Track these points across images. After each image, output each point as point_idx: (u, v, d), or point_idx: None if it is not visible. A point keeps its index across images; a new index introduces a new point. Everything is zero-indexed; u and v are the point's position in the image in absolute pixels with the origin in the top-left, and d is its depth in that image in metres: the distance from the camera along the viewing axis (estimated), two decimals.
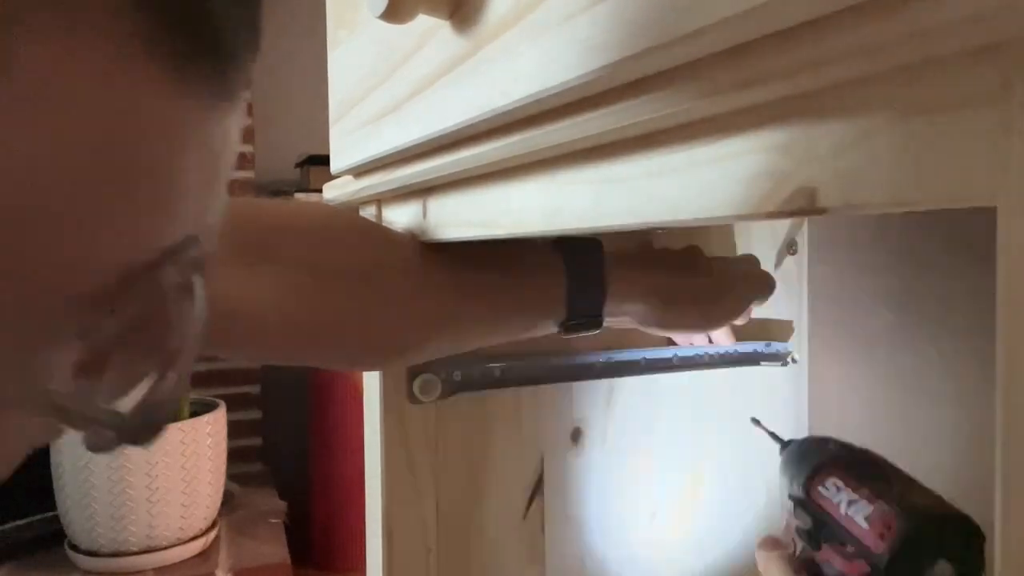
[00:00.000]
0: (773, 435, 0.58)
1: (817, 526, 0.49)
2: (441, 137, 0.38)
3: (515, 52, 0.30)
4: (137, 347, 0.23)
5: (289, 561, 1.39)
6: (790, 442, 0.55)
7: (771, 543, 0.53)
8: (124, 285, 0.21)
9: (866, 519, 0.45)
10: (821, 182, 0.21)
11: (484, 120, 0.33)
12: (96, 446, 0.23)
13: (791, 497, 0.52)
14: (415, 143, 0.41)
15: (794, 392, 0.76)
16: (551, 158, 0.35)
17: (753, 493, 0.75)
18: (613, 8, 0.24)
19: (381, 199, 0.57)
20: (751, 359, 0.72)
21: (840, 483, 0.47)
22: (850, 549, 0.46)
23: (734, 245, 0.73)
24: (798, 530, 0.50)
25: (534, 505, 0.66)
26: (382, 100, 0.45)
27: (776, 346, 0.73)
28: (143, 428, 0.23)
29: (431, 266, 0.51)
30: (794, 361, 0.74)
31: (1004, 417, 0.17)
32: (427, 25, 0.37)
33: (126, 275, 0.20)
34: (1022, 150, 0.16)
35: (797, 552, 0.52)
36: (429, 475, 0.62)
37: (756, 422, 0.62)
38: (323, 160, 0.72)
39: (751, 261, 0.66)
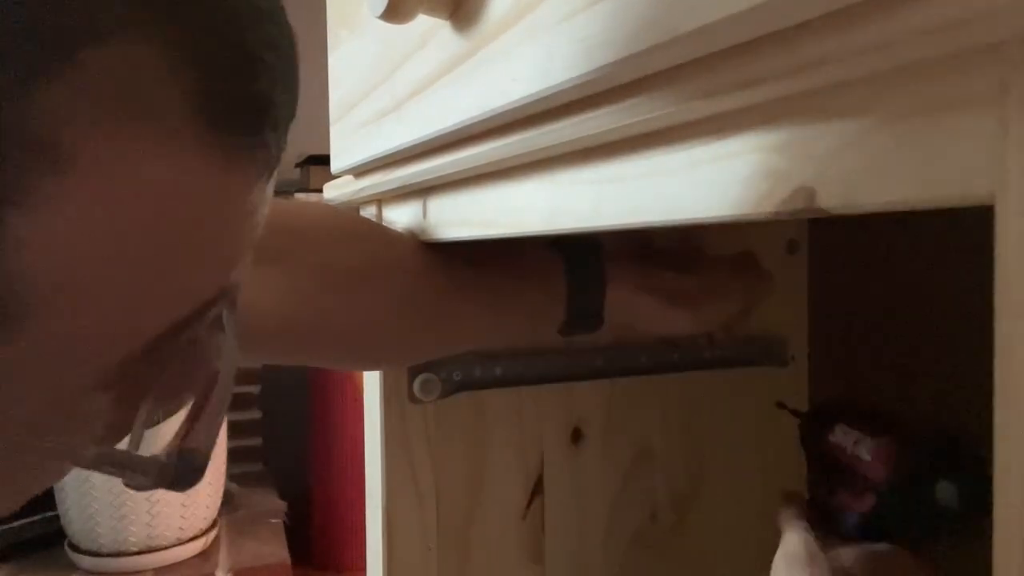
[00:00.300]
0: (795, 412, 0.61)
1: (829, 474, 0.51)
2: (441, 137, 0.38)
3: (515, 52, 0.30)
4: (173, 392, 0.24)
5: (289, 561, 1.39)
6: (806, 412, 0.57)
7: (788, 497, 0.54)
8: (164, 339, 0.21)
9: (868, 452, 0.47)
10: (820, 182, 0.22)
11: (484, 120, 0.33)
12: (135, 487, 0.24)
13: (809, 457, 0.54)
14: (415, 143, 0.41)
15: (794, 392, 0.76)
16: (551, 158, 0.35)
17: (753, 492, 0.75)
18: (612, 8, 0.24)
19: (381, 199, 0.57)
20: (751, 359, 0.72)
21: (847, 427, 0.50)
22: (858, 486, 0.48)
23: (735, 243, 0.73)
24: (813, 483, 0.53)
25: (534, 505, 0.66)
26: (382, 100, 0.45)
27: (775, 346, 0.73)
28: (181, 473, 0.23)
29: (431, 267, 0.52)
30: (793, 360, 0.74)
31: (1001, 416, 0.17)
32: (427, 25, 0.37)
33: (167, 331, 0.21)
34: (1019, 149, 0.16)
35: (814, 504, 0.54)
36: (429, 475, 0.62)
37: (781, 406, 0.64)
38: (323, 160, 0.72)
39: (751, 259, 0.66)
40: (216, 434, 0.25)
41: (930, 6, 0.17)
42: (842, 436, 0.50)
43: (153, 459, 0.23)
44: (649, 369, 0.68)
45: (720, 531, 0.73)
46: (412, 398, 0.61)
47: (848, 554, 0.46)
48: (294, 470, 1.81)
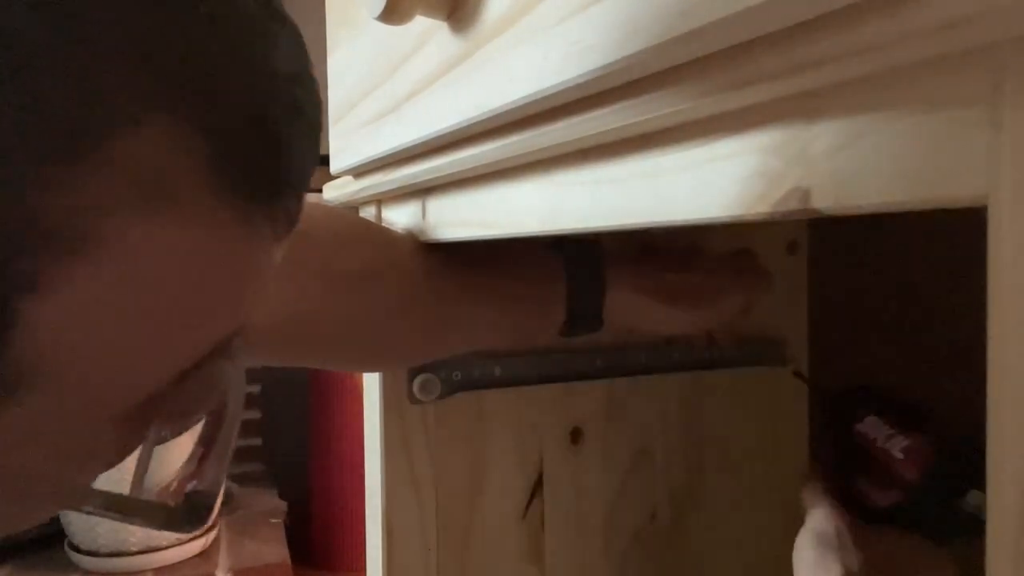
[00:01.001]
0: (814, 385, 0.62)
1: (855, 460, 0.51)
2: (440, 137, 0.38)
3: (512, 53, 0.30)
4: (182, 412, 0.24)
5: (289, 561, 1.39)
6: (829, 389, 0.57)
7: (812, 473, 0.55)
8: (176, 382, 0.22)
9: (902, 451, 0.47)
10: (815, 183, 0.22)
11: (482, 121, 0.33)
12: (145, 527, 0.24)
13: (830, 438, 0.54)
14: (414, 143, 0.41)
15: (795, 391, 0.76)
16: (549, 159, 0.35)
17: (753, 492, 0.75)
18: (608, 10, 0.24)
19: (381, 199, 0.57)
20: (751, 359, 0.72)
21: (877, 419, 0.50)
22: (886, 480, 0.48)
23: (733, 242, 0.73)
24: (837, 465, 0.53)
25: (534, 505, 0.66)
26: (381, 100, 0.45)
27: (775, 346, 0.73)
28: (189, 517, 0.24)
29: (432, 269, 0.52)
30: (793, 360, 0.74)
31: (994, 415, 0.17)
32: (425, 26, 0.37)
33: (179, 375, 0.21)
34: (1012, 150, 0.16)
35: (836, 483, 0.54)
36: (429, 475, 0.62)
37: (798, 375, 0.65)
38: (323, 160, 0.72)
39: (749, 256, 0.66)
40: (223, 474, 0.25)
41: (923, 7, 0.17)
42: (872, 428, 0.50)
43: (161, 505, 0.23)
44: (649, 369, 0.69)
45: (719, 531, 0.73)
46: (412, 398, 0.61)
47: (876, 539, 0.46)
48: (294, 470, 1.81)
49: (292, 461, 1.83)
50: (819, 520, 0.48)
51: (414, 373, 0.60)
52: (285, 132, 0.21)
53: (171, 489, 0.24)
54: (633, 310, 0.57)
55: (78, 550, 1.33)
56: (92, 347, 0.19)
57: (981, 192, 0.17)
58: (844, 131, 0.21)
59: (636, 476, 0.70)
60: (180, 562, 1.35)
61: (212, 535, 1.43)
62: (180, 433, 0.25)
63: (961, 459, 0.45)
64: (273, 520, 1.54)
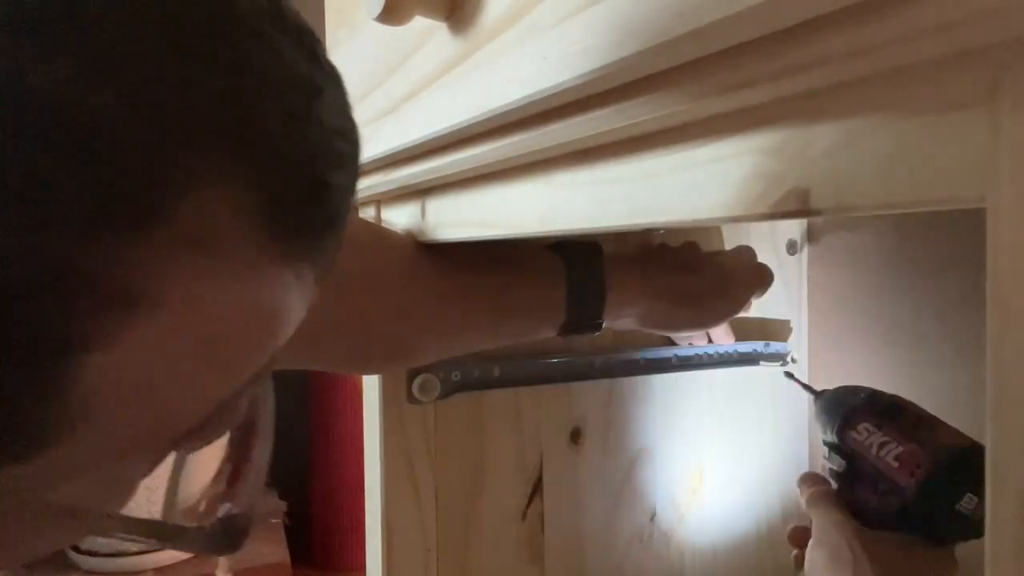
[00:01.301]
0: (806, 386, 0.61)
1: (851, 467, 0.51)
2: (439, 138, 0.38)
3: (511, 54, 0.30)
4: (212, 428, 0.25)
5: (289, 561, 1.39)
6: (823, 392, 0.57)
7: (812, 479, 0.55)
8: (214, 414, 0.23)
9: (896, 458, 0.48)
10: (813, 184, 0.22)
11: (481, 121, 0.33)
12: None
13: (826, 442, 0.54)
14: (413, 144, 0.41)
15: (794, 392, 0.76)
16: (548, 159, 0.35)
17: (752, 492, 0.75)
18: (606, 11, 0.24)
19: (380, 200, 0.57)
20: (751, 359, 0.72)
21: (871, 427, 0.50)
22: (882, 487, 0.48)
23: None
24: (832, 472, 0.53)
25: (534, 505, 0.66)
26: (381, 101, 0.45)
27: (775, 346, 0.73)
28: (228, 540, 0.24)
29: (432, 270, 0.52)
30: (793, 361, 0.74)
31: (994, 415, 0.17)
32: (424, 26, 0.37)
33: (218, 407, 0.23)
34: (1010, 152, 0.16)
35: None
36: (428, 475, 0.62)
37: (790, 376, 0.65)
38: None
39: (748, 254, 0.66)
40: (259, 494, 0.26)
41: (921, 9, 0.17)
42: (866, 435, 0.50)
43: (198, 529, 0.24)
44: (649, 369, 0.69)
45: (719, 531, 0.73)
46: (411, 399, 0.61)
47: (881, 546, 0.47)
48: (294, 470, 1.81)
49: (292, 461, 1.83)
50: (829, 533, 0.49)
51: (413, 373, 0.60)
52: (331, 183, 0.22)
53: (200, 509, 0.25)
54: (635, 311, 0.57)
55: (78, 550, 1.33)
56: (143, 391, 0.20)
57: (979, 193, 0.17)
58: (843, 132, 0.21)
59: (636, 476, 0.70)
60: (180, 562, 1.36)
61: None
62: (209, 443, 0.25)
63: (957, 463, 0.45)
64: (273, 520, 1.54)
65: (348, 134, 0.23)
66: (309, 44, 0.22)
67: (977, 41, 0.17)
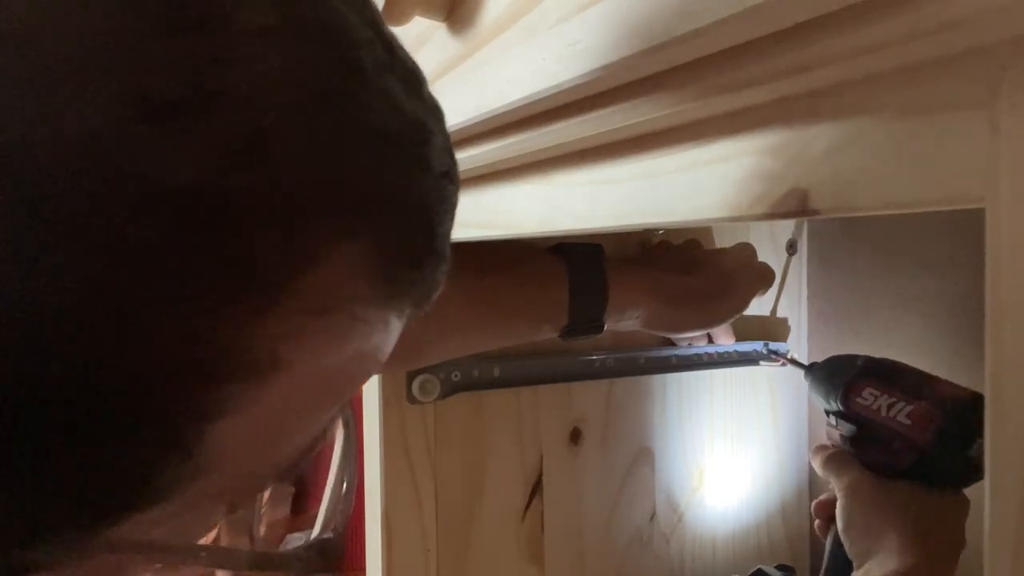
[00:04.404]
0: (795, 362, 0.64)
1: (860, 431, 0.53)
2: None
3: (510, 54, 0.30)
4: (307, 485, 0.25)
5: None
6: (812, 365, 0.58)
7: (823, 446, 0.56)
8: (313, 443, 0.23)
9: (908, 416, 0.50)
10: (812, 184, 0.22)
11: (481, 121, 0.33)
12: None
13: (829, 412, 0.56)
14: None
15: (794, 391, 0.76)
16: (547, 159, 0.35)
17: (753, 492, 0.75)
18: (606, 11, 0.24)
19: None
20: (750, 359, 0.72)
21: (876, 391, 0.52)
22: (897, 445, 0.50)
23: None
24: (842, 438, 0.55)
25: (533, 505, 0.66)
26: None
27: (775, 346, 0.73)
28: (324, 563, 0.25)
29: None
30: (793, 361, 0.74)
31: (994, 415, 0.17)
32: (424, 27, 0.37)
33: (316, 437, 0.23)
34: (1009, 152, 0.16)
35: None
36: (428, 475, 0.62)
37: (774, 353, 0.67)
38: None
39: (749, 252, 0.65)
40: (348, 516, 0.26)
41: (920, 9, 0.17)
42: (872, 399, 0.52)
43: (294, 554, 0.25)
44: (649, 369, 0.69)
45: (719, 531, 0.73)
46: (411, 399, 0.61)
47: (904, 494, 0.49)
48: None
49: None
50: (855, 486, 0.51)
51: (413, 374, 0.60)
52: (440, 224, 0.22)
53: (261, 534, 0.25)
54: (636, 312, 0.57)
55: None
56: (262, 441, 0.20)
57: (978, 194, 0.17)
58: (842, 133, 0.21)
59: (636, 476, 0.70)
60: None
61: (212, 535, 1.43)
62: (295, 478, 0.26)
63: (964, 413, 0.48)
64: None
65: (452, 174, 0.23)
66: (416, 84, 0.22)
67: (977, 41, 0.17)
